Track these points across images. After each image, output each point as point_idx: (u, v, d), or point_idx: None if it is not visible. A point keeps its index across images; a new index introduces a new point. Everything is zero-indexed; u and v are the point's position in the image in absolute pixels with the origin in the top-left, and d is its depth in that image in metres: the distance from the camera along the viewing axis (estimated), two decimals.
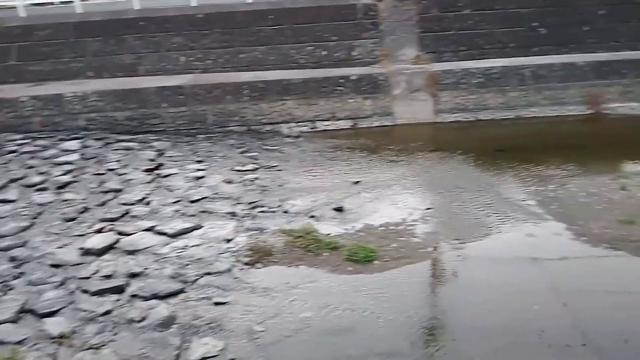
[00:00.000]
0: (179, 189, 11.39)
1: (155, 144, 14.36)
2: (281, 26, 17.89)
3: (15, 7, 18.70)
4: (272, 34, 17.84)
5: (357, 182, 11.56)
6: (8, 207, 10.51)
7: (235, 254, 8.63)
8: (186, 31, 17.93)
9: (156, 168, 12.64)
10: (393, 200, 10.64)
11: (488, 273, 7.91)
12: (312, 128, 15.77)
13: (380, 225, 9.52)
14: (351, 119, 15.87)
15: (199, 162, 13.09)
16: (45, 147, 13.96)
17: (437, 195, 10.78)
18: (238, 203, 10.66)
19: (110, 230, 9.46)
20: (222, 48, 17.78)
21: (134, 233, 9.29)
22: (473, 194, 10.66)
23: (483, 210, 9.91)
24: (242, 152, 13.84)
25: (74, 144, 14.13)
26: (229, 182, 11.80)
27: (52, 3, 21.32)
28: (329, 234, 9.19)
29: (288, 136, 15.33)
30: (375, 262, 8.28)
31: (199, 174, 12.25)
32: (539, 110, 15.87)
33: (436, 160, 12.85)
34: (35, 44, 18.03)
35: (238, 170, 12.50)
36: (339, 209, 10.24)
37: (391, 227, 9.43)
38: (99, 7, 19.26)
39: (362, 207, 10.38)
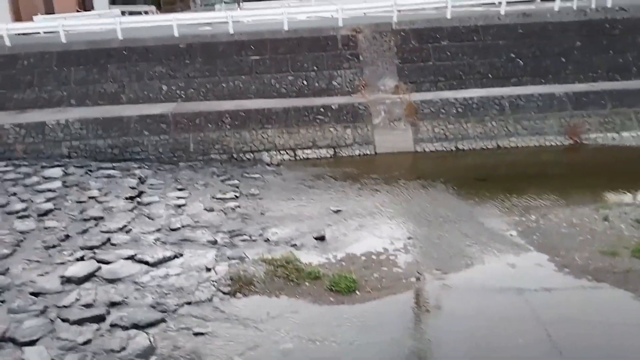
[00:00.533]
0: (160, 217, 11.37)
1: (137, 171, 14.32)
2: (262, 56, 18.09)
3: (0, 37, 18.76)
4: (254, 64, 18.02)
5: (338, 210, 11.61)
6: None
7: (215, 283, 8.61)
8: (168, 61, 18.06)
9: (137, 196, 12.59)
10: (374, 229, 10.70)
11: (471, 303, 7.98)
12: (293, 156, 15.85)
13: (362, 255, 9.56)
14: (332, 147, 15.99)
15: (180, 190, 13.08)
16: (28, 175, 13.90)
17: (419, 224, 10.87)
18: (219, 231, 10.66)
19: (91, 258, 9.40)
20: (204, 77, 17.90)
21: (115, 261, 9.25)
22: (454, 224, 10.77)
23: (465, 240, 10.00)
24: (223, 180, 13.84)
25: (56, 172, 14.07)
26: (210, 210, 11.78)
27: (37, 33, 21.31)
28: (310, 264, 9.22)
29: (269, 164, 15.39)
30: (357, 292, 8.30)
31: (180, 202, 12.25)
32: (518, 140, 16.12)
33: (417, 189, 12.97)
34: (19, 72, 18.09)
35: (219, 199, 12.51)
36: (320, 238, 10.27)
37: (373, 257, 9.47)
38: (83, 37, 19.31)
39: (343, 236, 10.42)
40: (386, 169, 14.59)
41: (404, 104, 16.45)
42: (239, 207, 12.00)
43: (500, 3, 19.34)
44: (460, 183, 13.14)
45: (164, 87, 17.76)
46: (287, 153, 15.89)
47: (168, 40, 18.47)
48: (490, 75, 17.85)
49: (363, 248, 9.81)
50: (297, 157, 15.83)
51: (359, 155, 15.89)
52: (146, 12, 31.11)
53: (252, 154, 15.87)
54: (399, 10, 19.02)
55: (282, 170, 14.77)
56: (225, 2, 32.10)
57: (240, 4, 30.73)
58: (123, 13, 29.17)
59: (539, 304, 7.77)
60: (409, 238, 10.19)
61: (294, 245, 9.98)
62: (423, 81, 17.77)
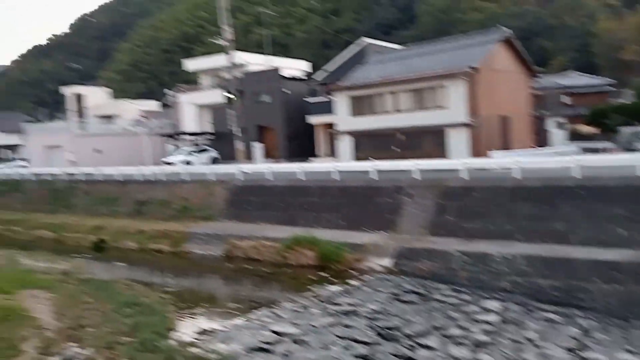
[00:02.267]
0: None
1: (580, 321, 12.86)
2: None
3: (458, 170, 20.48)
4: None
5: None
6: (427, 353, 10.87)
7: None
8: (630, 203, 16.20)
9: (580, 349, 11.17)
10: None
11: None
12: None
13: None
14: None
15: (633, 353, 11.03)
16: (468, 302, 14.06)
17: None
18: None
19: None
20: None
21: None
22: None
23: None
24: None
25: (494, 305, 13.86)
26: None
27: (493, 168, 22.33)
28: None
29: None
30: None
31: None
32: None
33: None
34: (471, 203, 19.03)
35: None
36: None
37: None
38: (536, 174, 19.25)
39: None
40: None
41: None
42: None
43: None
44: None
45: (622, 232, 15.90)
46: None
47: (632, 180, 16.76)
48: None
49: None
50: None
51: None
52: (605, 149, 29.31)
53: None
54: None
55: None
56: None
57: None
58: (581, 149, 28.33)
59: None
60: None
61: None
62: None
